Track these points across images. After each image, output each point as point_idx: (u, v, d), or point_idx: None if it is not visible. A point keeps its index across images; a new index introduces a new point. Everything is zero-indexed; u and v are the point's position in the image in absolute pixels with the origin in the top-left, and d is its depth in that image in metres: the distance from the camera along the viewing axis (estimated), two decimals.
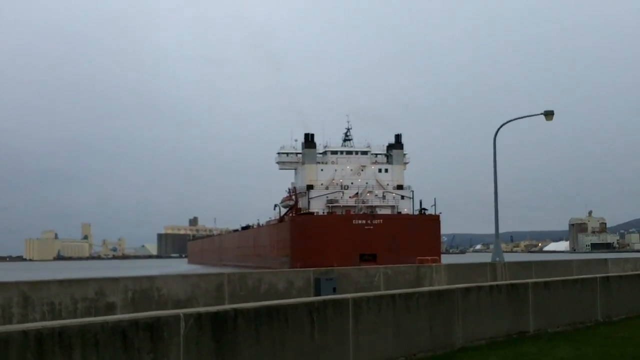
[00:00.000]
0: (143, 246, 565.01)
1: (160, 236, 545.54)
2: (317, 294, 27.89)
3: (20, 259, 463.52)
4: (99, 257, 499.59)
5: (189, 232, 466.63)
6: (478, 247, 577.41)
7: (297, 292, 27.38)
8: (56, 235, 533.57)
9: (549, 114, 36.55)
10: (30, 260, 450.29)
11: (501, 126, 37.83)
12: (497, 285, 18.48)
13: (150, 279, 23.28)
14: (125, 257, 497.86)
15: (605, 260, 42.71)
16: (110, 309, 21.67)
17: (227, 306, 12.17)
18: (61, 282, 20.84)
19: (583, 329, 19.83)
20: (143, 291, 22.74)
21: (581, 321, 20.61)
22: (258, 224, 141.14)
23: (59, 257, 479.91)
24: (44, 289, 20.22)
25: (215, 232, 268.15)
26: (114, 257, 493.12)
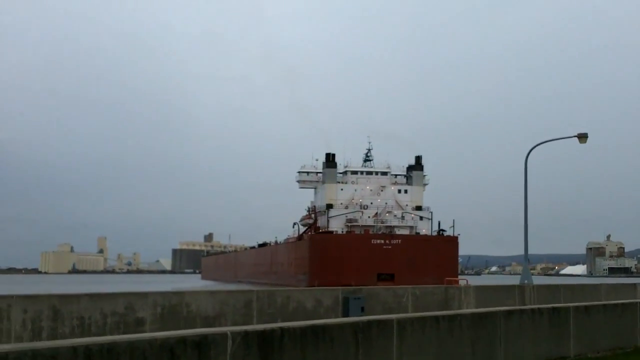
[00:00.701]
0: (157, 261, 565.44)
1: (174, 251, 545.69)
2: (345, 313, 27.49)
3: (35, 271, 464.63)
4: (113, 271, 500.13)
5: (203, 247, 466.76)
6: (494, 269, 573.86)
7: (325, 310, 26.97)
8: (72, 248, 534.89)
9: (582, 137, 36.04)
10: (45, 273, 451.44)
11: (533, 147, 37.39)
12: (539, 309, 18.02)
13: (179, 294, 22.96)
14: (139, 271, 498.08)
15: (634, 285, 42.00)
16: (139, 324, 21.36)
17: (274, 324, 11.82)
18: (91, 297, 20.55)
19: (623, 355, 19.35)
20: (172, 307, 22.42)
21: (621, 347, 20.10)
22: (276, 242, 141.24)
23: (74, 271, 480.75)
24: (74, 302, 19.94)
25: (229, 249, 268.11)
26: (129, 272, 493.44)
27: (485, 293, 33.37)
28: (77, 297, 20.12)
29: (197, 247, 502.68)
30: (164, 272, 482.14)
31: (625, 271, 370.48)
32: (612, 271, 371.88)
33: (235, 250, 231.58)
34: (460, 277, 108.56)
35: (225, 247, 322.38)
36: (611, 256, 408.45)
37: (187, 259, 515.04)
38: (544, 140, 38.71)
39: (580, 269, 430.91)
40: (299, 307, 26.14)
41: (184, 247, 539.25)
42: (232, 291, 24.74)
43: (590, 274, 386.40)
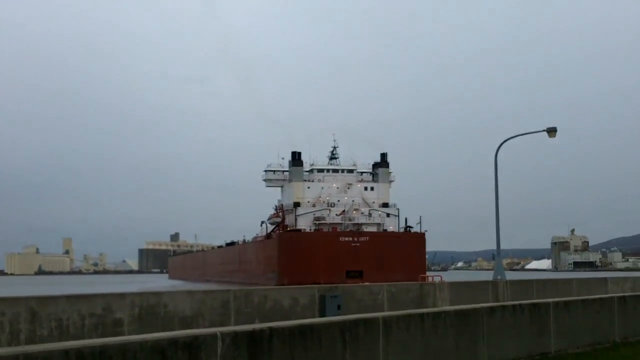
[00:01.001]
0: (124, 261, 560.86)
1: (141, 251, 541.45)
2: (322, 311, 27.46)
3: (1, 273, 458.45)
4: (80, 272, 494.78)
5: (170, 247, 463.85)
6: (460, 264, 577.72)
7: (301, 309, 26.91)
8: (37, 249, 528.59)
9: (551, 131, 36.36)
10: (11, 274, 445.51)
11: (503, 142, 37.64)
12: (519, 305, 18.12)
13: (157, 294, 22.75)
14: (106, 272, 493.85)
15: (605, 279, 42.52)
16: (117, 325, 21.12)
17: (263, 325, 11.74)
18: (69, 298, 20.27)
19: (602, 350, 19.49)
20: (149, 307, 22.20)
21: (599, 342, 20.27)
22: (244, 241, 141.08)
23: (40, 272, 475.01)
24: (51, 304, 19.64)
25: (195, 248, 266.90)
26: (95, 272, 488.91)
27: (460, 289, 33.53)
28: (54, 299, 19.83)
29: (163, 247, 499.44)
30: (131, 272, 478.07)
31: (590, 265, 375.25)
32: (577, 265, 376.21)
33: (203, 250, 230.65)
34: (428, 273, 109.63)
35: (191, 246, 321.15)
36: (576, 250, 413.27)
37: (154, 259, 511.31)
38: (512, 135, 38.92)
39: (546, 263, 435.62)
40: (276, 306, 26.04)
41: (151, 247, 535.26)
42: (209, 291, 24.55)
43: (555, 268, 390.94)
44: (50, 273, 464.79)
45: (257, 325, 11.67)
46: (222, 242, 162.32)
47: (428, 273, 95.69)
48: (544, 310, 18.63)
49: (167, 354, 10.00)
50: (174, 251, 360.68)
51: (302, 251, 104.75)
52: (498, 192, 37.34)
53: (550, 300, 19.45)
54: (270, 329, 11.62)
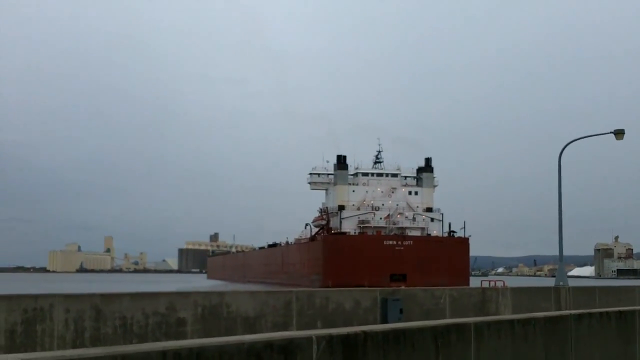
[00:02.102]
0: (164, 260, 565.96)
1: (181, 251, 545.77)
2: (384, 315, 26.73)
3: (43, 270, 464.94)
4: (120, 270, 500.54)
5: (209, 247, 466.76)
6: (500, 270, 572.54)
7: (363, 312, 26.22)
8: (79, 247, 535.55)
9: (619, 133, 35.16)
10: (53, 272, 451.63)
11: (567, 145, 36.52)
12: (606, 313, 17.18)
13: (220, 294, 22.22)
14: (146, 270, 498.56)
15: None
16: (180, 324, 20.62)
17: (357, 328, 11.04)
18: (133, 296, 19.80)
19: None
20: (212, 307, 21.67)
21: None
22: (286, 242, 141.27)
23: (82, 270, 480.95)
24: (115, 302, 19.19)
25: (234, 249, 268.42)
26: (135, 271, 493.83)
27: (522, 295, 32.52)
28: (118, 297, 19.38)
29: (203, 247, 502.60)
30: (170, 271, 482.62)
31: (634, 273, 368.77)
32: (621, 273, 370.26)
33: (242, 251, 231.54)
34: (487, 278, 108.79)
35: (230, 247, 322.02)
36: (619, 258, 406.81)
37: (193, 259, 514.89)
38: (576, 137, 37.77)
39: (588, 270, 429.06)
40: (338, 309, 25.37)
41: (190, 247, 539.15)
42: (271, 292, 23.96)
43: (598, 275, 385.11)
44: (92, 271, 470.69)
45: (352, 329, 10.98)
46: (259, 244, 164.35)
47: (497, 278, 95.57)
48: (630, 318, 17.68)
49: (263, 357, 9.36)
50: (213, 251, 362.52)
51: (347, 254, 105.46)
52: (561, 196, 36.20)
53: (636, 308, 18.47)
54: (365, 332, 10.92)
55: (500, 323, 13.80)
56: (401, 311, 26.78)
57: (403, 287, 31.76)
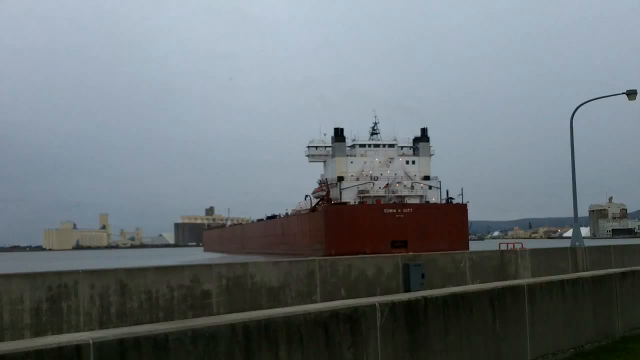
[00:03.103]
0: (160, 235, 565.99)
1: (177, 225, 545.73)
2: (406, 280, 26.24)
3: (39, 248, 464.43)
4: (116, 247, 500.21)
5: (205, 221, 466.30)
6: (496, 233, 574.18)
7: (386, 278, 25.70)
8: (74, 225, 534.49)
9: (631, 94, 34.54)
10: (49, 250, 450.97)
11: (579, 107, 35.91)
12: None
13: (243, 265, 21.66)
14: (143, 246, 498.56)
15: None
16: (205, 297, 20.08)
17: (417, 294, 10.62)
18: (157, 269, 19.24)
19: None
20: (236, 278, 21.13)
21: None
22: (286, 214, 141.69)
23: (78, 247, 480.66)
24: (140, 276, 18.62)
25: (229, 222, 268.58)
26: (132, 247, 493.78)
27: (540, 256, 32.13)
28: (142, 271, 18.80)
29: (199, 221, 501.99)
30: (167, 245, 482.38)
31: (629, 232, 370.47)
32: (616, 232, 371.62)
33: (240, 223, 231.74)
34: (505, 240, 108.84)
35: (226, 220, 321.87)
36: (614, 218, 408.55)
37: (189, 233, 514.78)
38: (589, 99, 37.19)
39: (584, 231, 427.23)
40: (361, 276, 24.85)
41: (186, 221, 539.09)
42: (294, 261, 23.42)
43: (593, 235, 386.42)
44: (88, 248, 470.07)
45: (412, 295, 10.54)
46: (255, 216, 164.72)
47: (515, 241, 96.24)
48: None
49: (329, 327, 8.90)
50: (209, 225, 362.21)
51: (348, 223, 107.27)
52: (574, 158, 35.72)
53: None
54: (425, 298, 10.47)
55: (552, 284, 13.36)
56: (423, 276, 26.32)
57: (424, 253, 31.27)
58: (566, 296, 13.41)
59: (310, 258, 24.79)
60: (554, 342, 13.01)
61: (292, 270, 22.82)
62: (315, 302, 23.41)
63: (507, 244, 38.30)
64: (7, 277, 16.19)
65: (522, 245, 35.56)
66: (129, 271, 18.65)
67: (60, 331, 16.94)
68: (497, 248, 33.63)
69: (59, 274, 17.17)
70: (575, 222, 36.22)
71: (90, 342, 6.20)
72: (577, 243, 34.69)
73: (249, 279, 21.51)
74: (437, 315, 10.48)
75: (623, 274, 15.70)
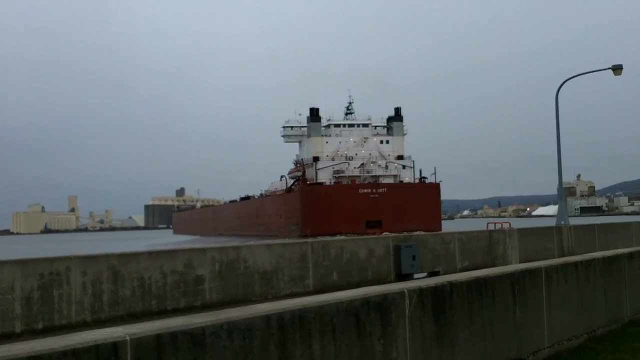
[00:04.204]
0: (130, 217, 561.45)
1: (147, 207, 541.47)
2: (397, 262, 25.98)
3: (7, 232, 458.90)
4: (86, 230, 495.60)
5: (176, 203, 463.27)
6: (465, 212, 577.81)
7: (377, 261, 25.46)
8: (43, 208, 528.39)
9: (617, 69, 34.47)
10: (17, 233, 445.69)
11: (564, 82, 35.85)
12: None
13: (236, 249, 21.23)
14: (112, 228, 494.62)
15: None
16: (199, 282, 19.64)
17: (442, 278, 10.16)
18: (150, 254, 18.75)
19: None
20: (229, 262, 20.71)
21: None
22: (261, 195, 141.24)
23: (47, 230, 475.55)
24: (133, 261, 18.11)
25: (198, 204, 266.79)
26: (101, 229, 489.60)
27: (527, 236, 32.06)
28: (135, 256, 18.30)
29: (169, 203, 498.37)
30: (137, 228, 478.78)
31: (597, 210, 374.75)
32: (584, 210, 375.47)
33: (212, 205, 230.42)
34: (500, 220, 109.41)
35: (196, 201, 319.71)
36: (582, 195, 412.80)
37: (160, 215, 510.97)
38: (573, 75, 37.03)
39: (552, 209, 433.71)
40: (353, 258, 24.55)
41: (157, 202, 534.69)
42: (287, 244, 23.05)
43: None
44: (57, 231, 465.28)
45: (438, 280, 10.09)
46: (227, 197, 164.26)
47: (503, 220, 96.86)
48: None
49: (360, 316, 8.44)
50: (178, 206, 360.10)
51: (324, 203, 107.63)
52: (560, 135, 35.59)
53: None
54: (450, 283, 10.04)
55: (567, 266, 13.04)
56: (414, 257, 26.07)
57: (415, 233, 30.99)
58: (580, 278, 13.12)
59: (302, 240, 24.44)
60: (569, 328, 12.72)
61: (285, 254, 22.42)
62: (307, 286, 23.05)
63: (495, 223, 38.07)
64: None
65: (509, 224, 35.37)
66: (122, 256, 18.12)
67: (51, 321, 16.36)
68: (484, 227, 33.45)
69: (51, 260, 16.58)
70: (561, 200, 36.24)
71: (127, 338, 5.73)
72: (562, 222, 34.65)
73: (242, 263, 21.07)
74: (463, 301, 10.11)
75: (631, 254, 15.44)
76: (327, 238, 29.35)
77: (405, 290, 9.22)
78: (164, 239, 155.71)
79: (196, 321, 6.65)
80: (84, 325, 16.55)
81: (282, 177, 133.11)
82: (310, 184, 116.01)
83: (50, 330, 16.05)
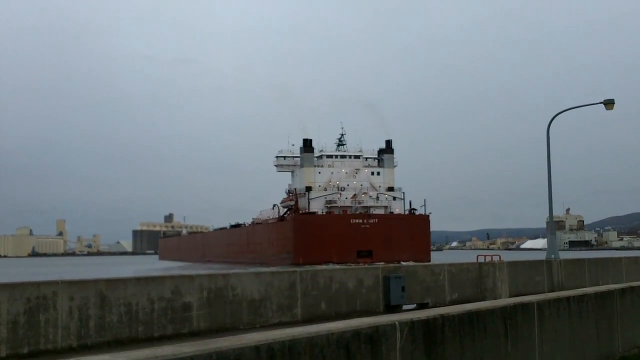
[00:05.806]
0: (118, 242, 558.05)
1: (135, 232, 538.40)
2: (386, 293, 25.80)
3: None
4: (73, 254, 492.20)
5: (164, 228, 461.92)
6: (454, 244, 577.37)
7: (366, 291, 25.27)
8: (31, 231, 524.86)
9: (609, 103, 34.63)
10: (4, 256, 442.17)
11: (556, 115, 35.94)
12: None
13: (225, 277, 21.03)
14: (100, 253, 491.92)
15: None
16: (186, 309, 19.43)
17: (433, 311, 10.07)
18: (138, 280, 18.53)
19: None
20: (218, 290, 20.50)
21: None
22: (252, 222, 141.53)
23: (34, 254, 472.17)
24: (120, 287, 17.90)
25: (184, 230, 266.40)
26: (89, 254, 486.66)
27: (517, 269, 31.96)
28: (124, 282, 18.09)
29: (157, 228, 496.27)
30: (124, 253, 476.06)
31: (586, 244, 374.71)
32: (573, 244, 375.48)
33: (200, 231, 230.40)
34: (489, 253, 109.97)
35: (183, 228, 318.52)
36: (571, 229, 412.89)
37: (148, 240, 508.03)
38: (564, 109, 37.19)
39: (541, 242, 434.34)
40: (342, 288, 24.37)
41: (145, 228, 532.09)
42: (276, 272, 22.85)
43: None
44: (44, 255, 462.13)
45: (430, 312, 9.99)
46: (214, 224, 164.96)
47: (493, 253, 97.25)
48: None
49: (351, 348, 8.34)
50: (164, 232, 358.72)
51: (316, 232, 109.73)
52: (550, 168, 35.69)
53: None
54: (442, 316, 9.96)
55: (559, 301, 12.96)
56: (403, 289, 25.90)
57: (404, 264, 30.92)
58: (572, 314, 13.02)
59: (291, 269, 24.26)
60: None
61: (274, 282, 22.22)
62: (295, 315, 22.85)
63: (485, 256, 37.99)
64: None
65: (500, 257, 35.29)
66: (110, 282, 17.92)
67: (37, 346, 16.13)
68: (473, 259, 33.36)
69: (38, 284, 16.37)
70: (551, 234, 36.15)
71: None
72: (552, 255, 34.58)
73: (230, 291, 20.87)
74: (454, 335, 9.99)
75: (623, 290, 15.38)
76: (317, 267, 29.19)
77: (397, 323, 9.13)
78: (150, 265, 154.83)
79: (185, 350, 6.53)
80: (70, 351, 16.33)
81: (274, 205, 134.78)
82: (303, 213, 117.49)
83: (36, 354, 15.82)
